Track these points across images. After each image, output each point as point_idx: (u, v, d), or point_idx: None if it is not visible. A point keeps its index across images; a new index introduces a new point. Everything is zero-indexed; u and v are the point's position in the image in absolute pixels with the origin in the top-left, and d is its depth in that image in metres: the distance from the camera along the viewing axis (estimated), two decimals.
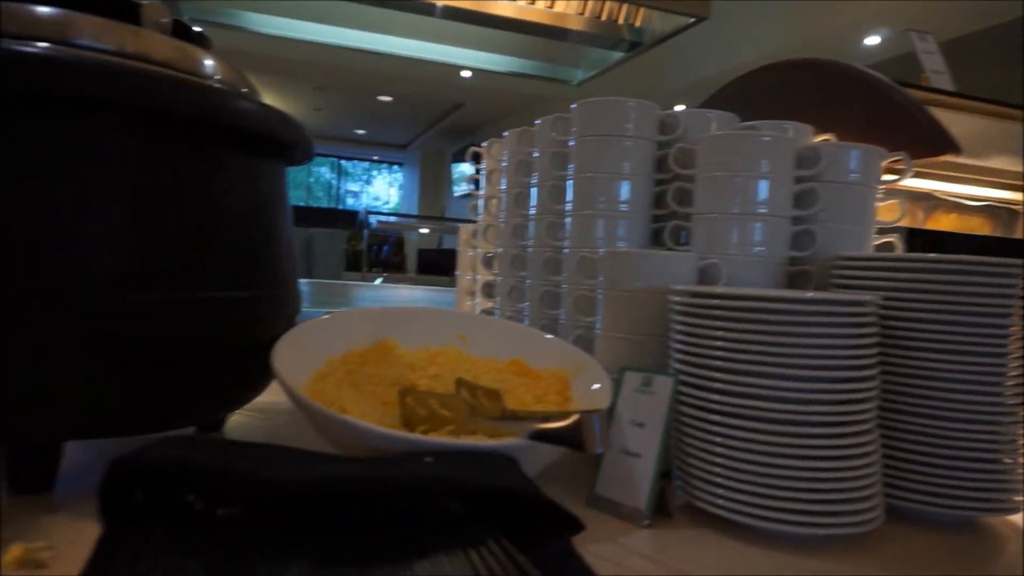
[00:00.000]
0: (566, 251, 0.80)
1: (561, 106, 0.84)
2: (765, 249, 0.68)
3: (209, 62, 0.60)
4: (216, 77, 0.60)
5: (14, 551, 0.40)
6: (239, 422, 0.76)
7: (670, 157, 0.74)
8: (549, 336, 0.72)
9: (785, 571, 0.47)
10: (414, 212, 10.26)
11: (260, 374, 0.62)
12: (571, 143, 0.80)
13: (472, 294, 1.10)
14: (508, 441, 0.49)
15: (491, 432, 0.54)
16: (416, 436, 0.48)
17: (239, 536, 0.37)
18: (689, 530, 0.53)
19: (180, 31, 0.59)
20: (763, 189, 0.68)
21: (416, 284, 4.66)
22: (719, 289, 0.57)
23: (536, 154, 0.88)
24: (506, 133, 0.94)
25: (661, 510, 0.55)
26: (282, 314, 0.63)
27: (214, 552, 0.35)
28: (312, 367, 0.63)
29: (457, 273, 1.16)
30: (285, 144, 0.64)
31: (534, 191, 0.88)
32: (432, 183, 10.49)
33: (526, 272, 0.89)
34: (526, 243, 0.90)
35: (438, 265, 6.72)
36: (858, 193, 0.70)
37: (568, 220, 0.80)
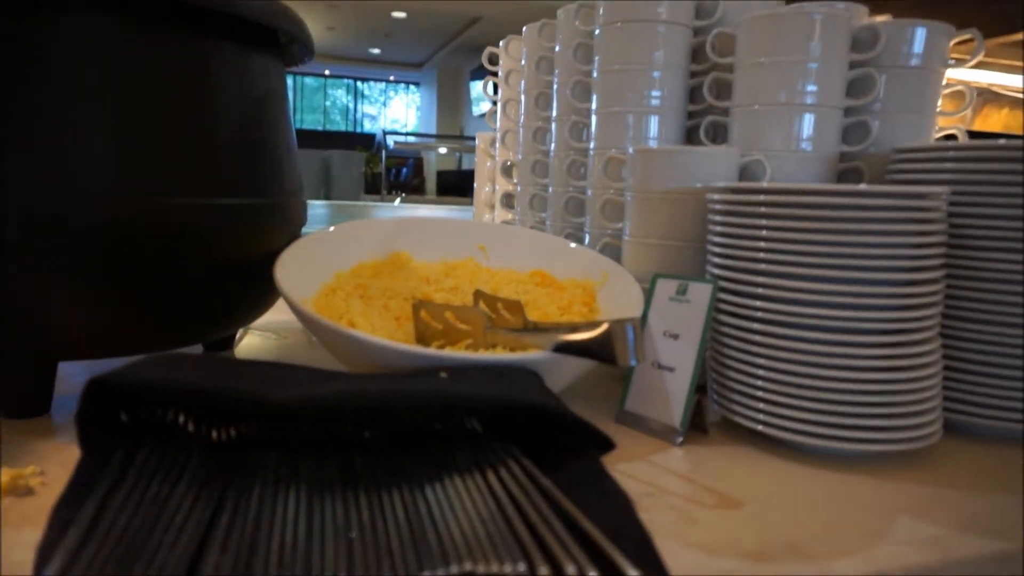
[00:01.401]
0: (591, 154, 0.73)
1: None
2: (813, 144, 0.62)
3: None
4: None
5: (4, 478, 0.37)
6: (251, 343, 0.73)
7: (707, 44, 0.67)
8: (574, 244, 0.67)
9: (834, 490, 0.43)
10: (432, 133, 10.07)
11: (265, 289, 0.58)
12: (596, 33, 0.72)
13: (491, 207, 1.04)
14: (530, 354, 0.45)
15: (512, 345, 0.49)
16: (430, 350, 0.44)
17: (235, 459, 0.33)
18: (726, 447, 0.49)
19: None
20: (812, 76, 0.61)
21: (436, 205, 4.60)
22: (764, 184, 0.51)
23: (558, 48, 0.80)
24: (525, 28, 0.87)
25: (696, 426, 0.51)
26: (285, 225, 0.59)
27: (206, 476, 0.31)
28: (319, 280, 0.59)
29: (475, 186, 1.10)
30: (284, 37, 0.58)
31: (555, 90, 0.80)
32: (450, 102, 10.24)
33: (548, 179, 0.83)
34: (548, 148, 0.83)
35: (458, 186, 6.64)
36: (920, 78, 0.63)
37: (594, 119, 0.73)
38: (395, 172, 6.73)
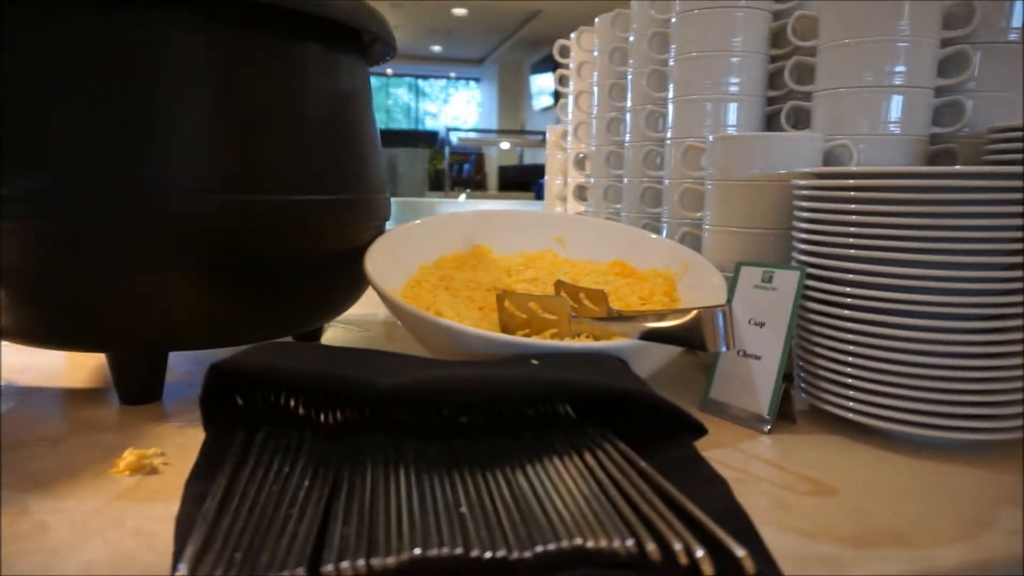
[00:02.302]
0: (668, 143, 0.73)
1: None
2: (902, 126, 0.60)
3: None
4: None
5: (128, 457, 0.40)
6: (335, 335, 0.76)
7: (788, 28, 0.66)
8: (652, 235, 0.67)
9: (931, 479, 0.42)
10: (493, 128, 10.12)
11: (352, 282, 0.60)
12: (672, 21, 0.72)
13: (563, 199, 1.05)
14: (619, 342, 0.45)
15: (597, 334, 0.50)
16: (521, 339, 0.45)
17: (344, 440, 0.35)
18: (815, 436, 0.49)
19: None
20: (901, 56, 0.59)
21: (499, 200, 4.63)
22: (854, 169, 0.50)
23: (632, 38, 0.80)
24: (598, 19, 0.87)
25: (783, 414, 0.50)
26: (372, 219, 0.61)
27: (320, 456, 0.33)
28: (404, 273, 0.61)
29: (545, 179, 1.11)
30: (367, 36, 0.60)
31: (630, 80, 0.80)
32: (511, 98, 10.26)
33: (622, 170, 0.83)
34: (622, 139, 0.83)
35: (519, 181, 6.66)
36: (1019, 54, 0.60)
37: (670, 108, 0.73)
38: (458, 168, 6.80)
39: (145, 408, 0.51)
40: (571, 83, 1.01)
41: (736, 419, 0.50)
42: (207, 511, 0.27)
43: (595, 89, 0.88)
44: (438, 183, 5.70)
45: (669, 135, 0.73)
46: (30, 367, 0.60)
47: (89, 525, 0.34)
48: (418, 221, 0.66)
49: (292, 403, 0.38)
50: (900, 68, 0.59)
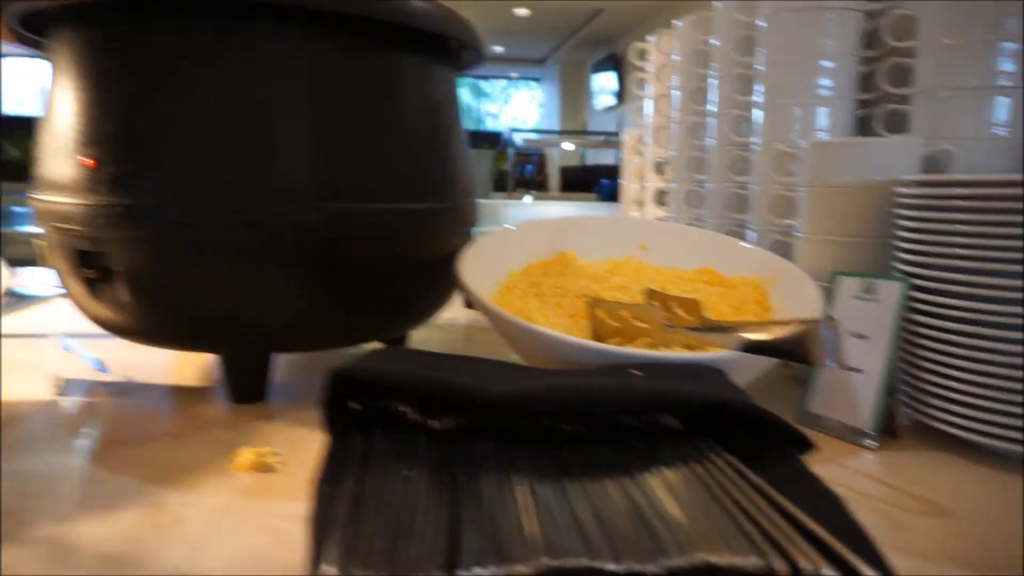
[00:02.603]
0: (755, 147, 0.72)
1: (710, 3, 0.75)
2: (1009, 129, 0.58)
3: None
4: None
5: (245, 455, 0.42)
6: (418, 337, 0.77)
7: (882, 28, 0.64)
8: (740, 242, 0.66)
9: None
10: (555, 129, 10.10)
11: (442, 287, 0.61)
12: (759, 24, 0.71)
13: (640, 203, 1.04)
14: (718, 353, 0.45)
15: (692, 344, 0.50)
16: (620, 348, 0.45)
17: (460, 447, 0.36)
18: (921, 452, 0.47)
19: None
20: (1007, 56, 0.57)
21: (563, 201, 4.62)
22: (963, 176, 0.48)
23: (714, 42, 0.79)
24: (679, 22, 0.86)
25: (886, 429, 0.49)
26: (462, 226, 0.62)
27: (437, 461, 0.34)
28: (494, 280, 0.62)
29: (621, 182, 1.10)
30: (455, 44, 0.61)
31: (713, 83, 0.80)
32: (572, 98, 10.22)
33: (705, 175, 0.82)
34: (703, 143, 0.83)
35: (581, 181, 6.62)
36: None
37: (757, 112, 0.72)
38: (520, 169, 6.82)
39: (252, 407, 0.54)
40: (648, 86, 1.00)
41: (835, 433, 0.49)
42: (341, 513, 0.28)
43: (675, 93, 0.88)
44: (501, 184, 5.73)
45: (756, 140, 0.72)
46: (141, 364, 0.64)
47: (220, 521, 0.36)
48: (505, 228, 0.67)
49: (404, 408, 0.39)
50: (1007, 68, 0.57)
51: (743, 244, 0.66)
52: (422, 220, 0.57)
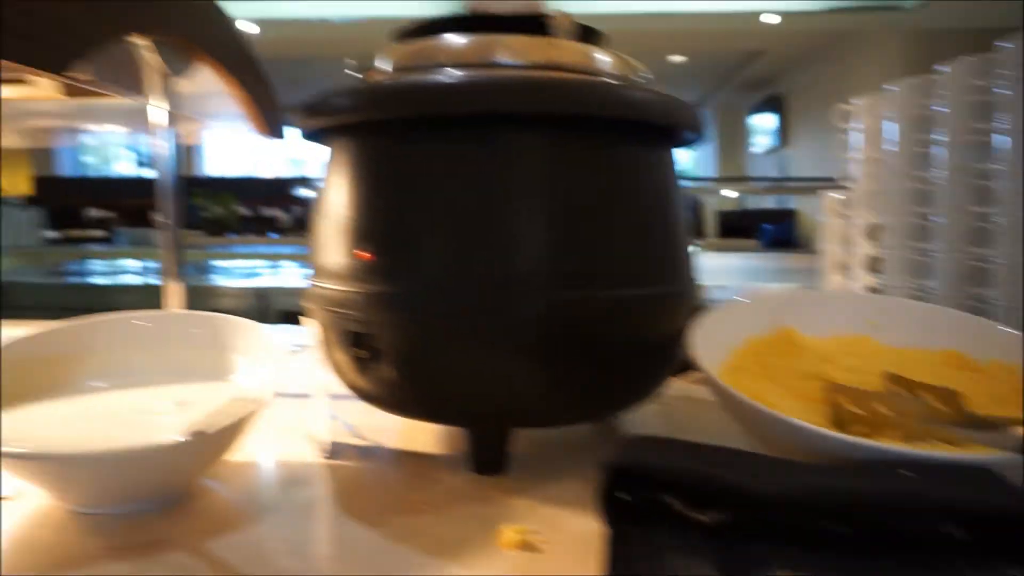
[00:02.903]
0: (996, 218, 0.67)
1: (882, 39, 0.72)
2: None
3: (607, 58, 0.61)
4: (615, 73, 0.61)
5: (510, 533, 0.45)
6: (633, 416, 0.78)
7: None
8: (990, 321, 0.62)
9: None
10: (710, 174, 9.90)
11: (666, 368, 0.62)
12: (997, 90, 0.67)
13: (843, 268, 1.00)
14: (997, 455, 0.42)
15: (951, 441, 0.47)
16: (881, 444, 0.44)
17: (738, 543, 0.36)
18: None
19: (583, 33, 0.61)
20: None
21: (721, 250, 4.50)
22: None
23: (936, 107, 0.75)
24: (894, 87, 0.83)
25: None
26: (687, 308, 0.63)
27: (719, 557, 0.35)
28: (719, 359, 0.62)
29: (823, 247, 1.07)
30: (681, 129, 0.63)
31: (938, 150, 0.76)
32: (729, 142, 9.99)
33: (929, 243, 0.78)
34: (925, 210, 0.78)
35: (740, 227, 6.41)
36: None
37: (1000, 182, 0.67)
38: None
39: (493, 479, 0.57)
40: (852, 148, 0.97)
41: None
42: None
43: (888, 158, 0.84)
44: None
45: (995, 210, 0.67)
46: (378, 427, 0.69)
47: None
48: (728, 303, 0.67)
49: (672, 500, 0.40)
50: None
51: (994, 324, 0.61)
52: (651, 304, 0.59)
